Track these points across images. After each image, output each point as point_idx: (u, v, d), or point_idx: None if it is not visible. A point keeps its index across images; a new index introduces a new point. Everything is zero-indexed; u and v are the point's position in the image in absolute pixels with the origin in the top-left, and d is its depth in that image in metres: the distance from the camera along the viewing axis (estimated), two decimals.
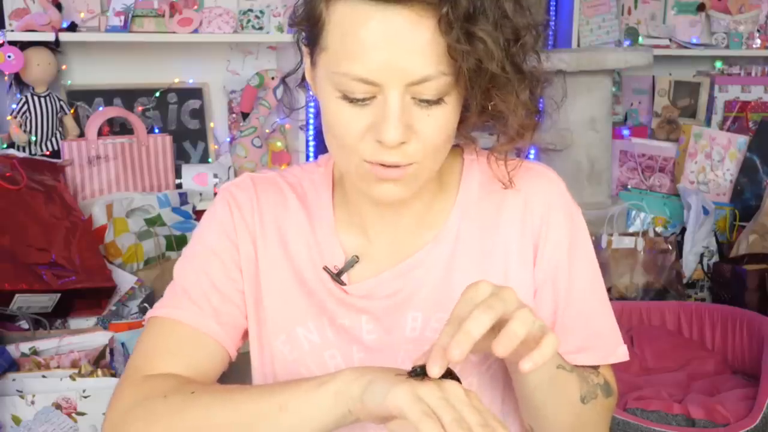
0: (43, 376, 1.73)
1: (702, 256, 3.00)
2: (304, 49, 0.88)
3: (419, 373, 0.72)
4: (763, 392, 1.98)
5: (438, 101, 0.80)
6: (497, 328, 0.72)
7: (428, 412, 0.68)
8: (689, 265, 2.99)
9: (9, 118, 2.47)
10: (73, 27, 2.50)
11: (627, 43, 3.53)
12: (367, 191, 0.86)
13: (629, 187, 3.44)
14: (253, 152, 2.83)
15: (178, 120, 2.86)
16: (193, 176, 2.72)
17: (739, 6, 3.62)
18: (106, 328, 2.03)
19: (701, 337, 2.51)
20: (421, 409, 0.68)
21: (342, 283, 0.93)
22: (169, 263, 2.39)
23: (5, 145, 2.46)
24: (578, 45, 3.37)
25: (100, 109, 2.67)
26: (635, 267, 2.84)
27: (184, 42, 2.70)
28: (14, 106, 2.48)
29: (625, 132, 3.51)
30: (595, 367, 0.94)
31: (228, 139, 2.92)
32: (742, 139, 3.32)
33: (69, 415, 1.71)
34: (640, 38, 3.55)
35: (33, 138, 2.48)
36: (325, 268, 0.93)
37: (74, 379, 1.72)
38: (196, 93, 2.88)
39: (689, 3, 3.60)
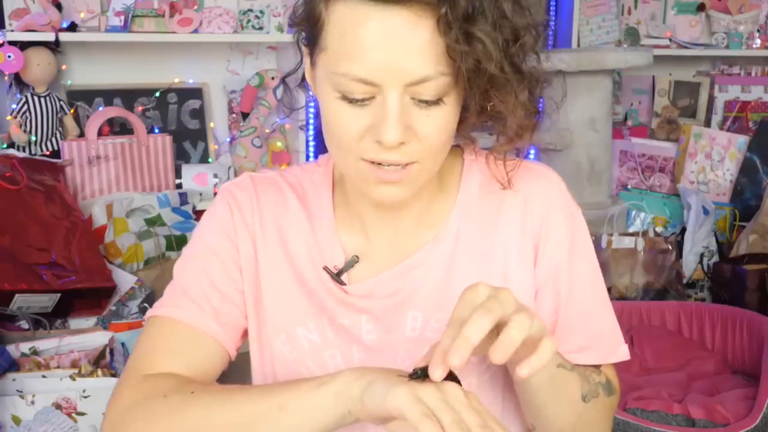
0: (43, 376, 1.73)
1: (702, 256, 3.00)
2: (304, 50, 0.88)
3: (420, 375, 0.72)
4: (763, 392, 1.98)
5: (437, 101, 0.80)
6: (496, 329, 0.72)
7: (428, 413, 0.68)
8: (689, 265, 2.99)
9: (9, 118, 2.47)
10: (73, 27, 2.50)
11: (627, 43, 3.54)
12: (367, 192, 0.86)
13: (629, 187, 3.44)
14: (253, 152, 2.83)
15: (178, 120, 2.86)
16: (193, 176, 2.72)
17: (739, 6, 3.62)
18: (106, 328, 2.04)
19: (701, 337, 2.51)
20: (421, 410, 0.68)
21: (342, 283, 0.93)
22: (169, 263, 2.39)
23: (5, 145, 2.46)
24: (578, 45, 3.37)
25: (100, 109, 2.67)
26: (635, 267, 2.84)
27: (184, 42, 2.70)
28: (14, 106, 2.48)
29: (625, 132, 3.51)
30: (597, 366, 0.95)
31: (228, 139, 2.92)
32: (742, 139, 3.32)
33: (69, 415, 1.71)
34: (640, 38, 3.55)
35: (33, 138, 2.48)
36: (325, 268, 0.93)
37: (74, 379, 1.72)
38: (196, 93, 2.88)
39: (689, 3, 3.60)
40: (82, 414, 1.71)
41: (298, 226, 0.96)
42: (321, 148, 2.67)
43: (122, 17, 2.53)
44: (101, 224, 2.41)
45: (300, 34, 0.88)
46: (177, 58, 2.82)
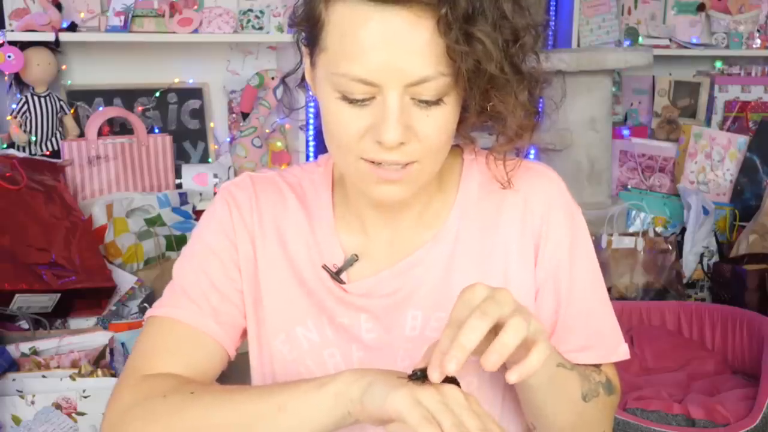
0: (43, 376, 1.73)
1: (702, 256, 3.00)
2: (304, 50, 0.88)
3: (420, 376, 0.72)
4: (763, 392, 1.98)
5: (437, 102, 0.80)
6: (494, 330, 0.72)
7: (428, 416, 0.68)
8: (689, 265, 2.99)
9: (9, 118, 2.47)
10: (73, 27, 2.50)
11: (627, 43, 3.53)
12: (367, 192, 0.86)
13: (629, 187, 3.44)
14: (253, 152, 2.83)
15: (178, 120, 2.86)
16: (193, 176, 2.72)
17: (739, 6, 3.62)
18: (106, 328, 2.04)
19: (701, 337, 2.51)
20: (421, 413, 0.68)
21: (341, 282, 0.93)
22: (169, 263, 2.39)
23: (5, 145, 2.46)
24: (578, 45, 3.37)
25: (100, 109, 2.67)
26: (635, 267, 2.84)
27: (184, 42, 2.70)
28: (14, 106, 2.48)
29: (625, 132, 3.51)
30: (597, 366, 0.95)
31: (228, 139, 2.92)
32: (742, 139, 3.32)
33: (69, 415, 1.71)
34: (640, 38, 3.55)
35: (33, 138, 2.48)
36: (324, 267, 0.93)
37: (74, 379, 1.72)
38: (196, 93, 2.88)
39: (689, 3, 3.60)
40: (82, 414, 1.71)
41: (297, 225, 0.96)
42: (321, 148, 2.67)
43: (122, 17, 2.53)
44: (101, 224, 2.41)
45: (300, 35, 0.88)
46: (177, 58, 2.82)
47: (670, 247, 2.87)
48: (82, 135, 2.57)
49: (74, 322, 2.12)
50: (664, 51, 3.49)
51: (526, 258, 0.94)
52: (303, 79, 0.92)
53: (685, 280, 2.94)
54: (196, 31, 2.64)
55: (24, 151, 2.45)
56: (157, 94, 2.80)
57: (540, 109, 0.87)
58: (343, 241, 0.95)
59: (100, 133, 2.56)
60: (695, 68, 3.75)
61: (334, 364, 0.93)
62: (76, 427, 1.71)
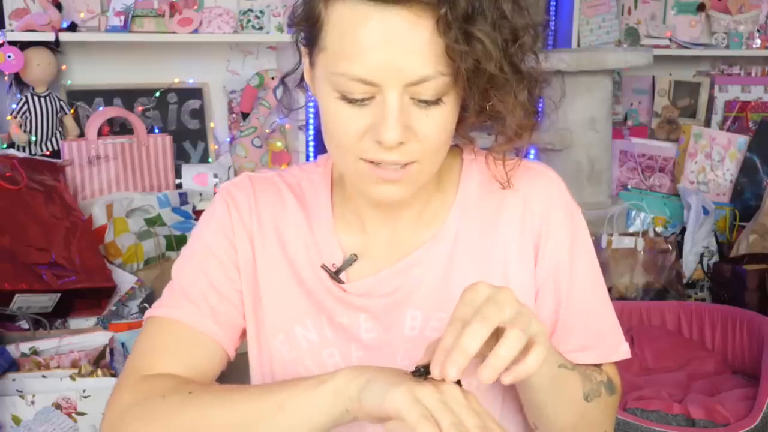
0: (43, 376, 1.73)
1: (702, 256, 3.00)
2: (303, 50, 0.88)
3: (422, 372, 0.72)
4: (763, 392, 1.98)
5: (436, 101, 0.80)
6: (495, 333, 0.71)
7: (426, 415, 0.68)
8: (689, 265, 2.99)
9: (9, 118, 2.47)
10: (73, 27, 2.50)
11: (627, 43, 3.53)
12: (366, 192, 0.86)
13: (629, 187, 3.44)
14: (253, 152, 2.83)
15: (178, 120, 2.86)
16: (193, 176, 2.72)
17: (739, 6, 3.62)
18: (106, 328, 2.04)
19: (701, 337, 2.51)
20: (420, 411, 0.68)
21: (340, 282, 0.93)
22: (169, 263, 2.39)
23: (5, 145, 2.46)
24: (578, 45, 3.37)
25: (100, 109, 2.67)
26: (635, 267, 2.84)
27: (184, 42, 2.70)
28: (14, 106, 2.48)
29: (625, 132, 3.51)
30: (598, 365, 0.95)
31: (228, 139, 2.92)
32: (742, 139, 3.32)
33: (69, 415, 1.71)
34: (640, 38, 3.55)
35: (33, 138, 2.49)
36: (324, 267, 0.93)
37: (74, 379, 1.72)
38: (196, 93, 2.88)
39: (689, 3, 3.60)
40: (82, 414, 1.71)
41: (296, 225, 0.96)
42: (321, 148, 2.67)
43: (122, 17, 2.53)
44: (101, 224, 2.41)
45: (299, 34, 0.88)
46: (177, 58, 2.82)
47: (670, 247, 2.87)
48: (82, 135, 2.57)
49: (74, 322, 2.12)
50: (664, 51, 3.49)
51: (526, 258, 0.94)
52: (302, 79, 0.92)
53: (685, 280, 2.94)
54: (196, 31, 2.64)
55: (24, 151, 2.45)
56: (157, 94, 2.80)
57: (540, 109, 0.87)
58: (342, 241, 0.95)
59: (100, 133, 2.56)
60: (695, 68, 3.75)
61: (333, 364, 0.92)
62: (76, 427, 1.71)
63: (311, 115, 2.69)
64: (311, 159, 2.33)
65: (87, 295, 2.15)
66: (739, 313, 2.45)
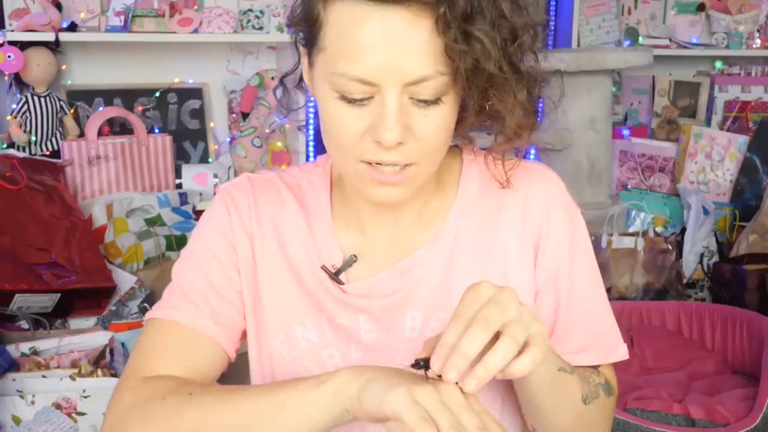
0: (43, 376, 1.73)
1: (702, 256, 3.00)
2: (302, 50, 0.88)
3: (423, 366, 0.72)
4: (763, 392, 1.98)
5: (436, 101, 0.80)
6: (495, 335, 0.71)
7: (425, 416, 0.68)
8: (689, 265, 2.99)
9: (9, 118, 2.47)
10: (73, 27, 2.50)
11: (627, 43, 3.53)
12: (365, 193, 0.86)
13: (629, 187, 3.44)
14: (253, 152, 2.83)
15: (178, 120, 2.86)
16: (193, 176, 2.72)
17: (739, 6, 3.62)
18: (106, 328, 2.04)
19: (701, 337, 2.51)
20: (419, 413, 0.68)
21: (340, 282, 0.93)
22: (169, 263, 2.39)
23: (5, 145, 2.46)
24: (578, 45, 3.37)
25: (100, 109, 2.67)
26: (635, 267, 2.84)
27: (184, 42, 2.70)
28: (14, 106, 2.48)
29: (625, 132, 3.51)
30: (596, 367, 0.95)
31: (228, 139, 2.92)
32: (742, 139, 3.32)
33: (69, 415, 1.71)
34: (640, 38, 3.55)
35: (33, 138, 2.48)
36: (323, 268, 0.93)
37: (74, 379, 1.72)
38: (196, 93, 2.88)
39: (689, 3, 3.60)
40: (82, 414, 1.71)
41: (296, 226, 0.96)
42: (321, 148, 2.66)
43: (122, 17, 2.53)
44: (101, 224, 2.41)
45: (298, 35, 0.88)
46: (177, 58, 2.82)
47: (670, 247, 2.86)
48: (82, 135, 2.57)
49: (74, 322, 2.12)
50: (664, 51, 3.49)
51: (526, 258, 0.94)
52: (301, 79, 0.92)
53: (685, 280, 2.94)
54: (196, 31, 2.64)
55: (24, 151, 2.45)
56: (157, 94, 2.80)
57: (539, 109, 0.87)
58: (342, 242, 0.95)
59: (100, 133, 2.56)
60: (695, 68, 3.75)
61: (333, 364, 0.92)
62: (76, 427, 1.71)
63: (311, 116, 2.69)
64: (311, 159, 2.33)
65: (87, 295, 2.15)
66: (739, 313, 2.45)
